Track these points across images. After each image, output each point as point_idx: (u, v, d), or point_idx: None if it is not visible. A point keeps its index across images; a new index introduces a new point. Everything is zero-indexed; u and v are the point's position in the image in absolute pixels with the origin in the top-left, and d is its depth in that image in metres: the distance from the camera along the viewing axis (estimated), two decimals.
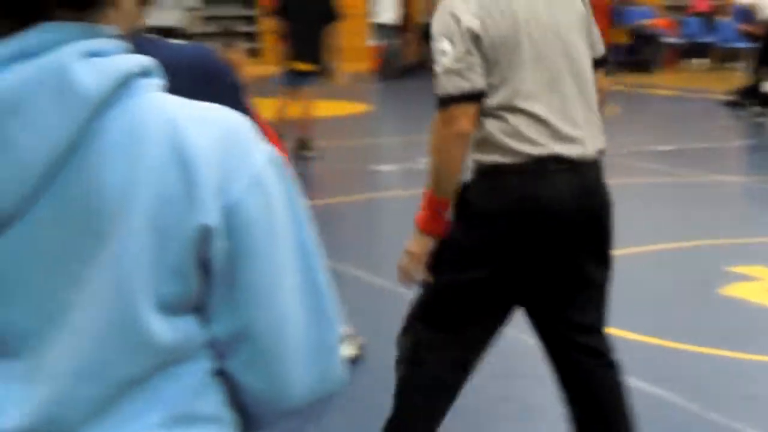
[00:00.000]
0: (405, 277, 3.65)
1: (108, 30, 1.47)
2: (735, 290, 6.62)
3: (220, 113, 1.51)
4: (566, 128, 3.49)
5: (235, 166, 1.46)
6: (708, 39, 22.49)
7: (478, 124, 3.49)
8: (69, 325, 1.42)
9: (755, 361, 5.44)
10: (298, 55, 11.44)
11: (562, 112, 3.49)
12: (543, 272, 3.54)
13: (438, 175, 3.51)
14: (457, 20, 3.46)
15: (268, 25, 11.98)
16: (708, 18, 22.69)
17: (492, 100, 3.47)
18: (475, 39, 3.45)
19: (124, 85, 1.43)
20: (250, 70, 16.18)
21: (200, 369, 1.51)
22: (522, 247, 3.49)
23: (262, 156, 1.50)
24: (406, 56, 21.76)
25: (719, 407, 4.85)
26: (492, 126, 3.47)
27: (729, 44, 21.18)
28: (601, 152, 3.58)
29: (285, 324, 1.50)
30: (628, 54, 21.77)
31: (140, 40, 2.56)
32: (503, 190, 3.48)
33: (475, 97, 3.44)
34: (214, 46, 3.30)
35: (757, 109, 14.51)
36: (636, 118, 14.65)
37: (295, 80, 11.56)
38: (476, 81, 3.43)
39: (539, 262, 3.52)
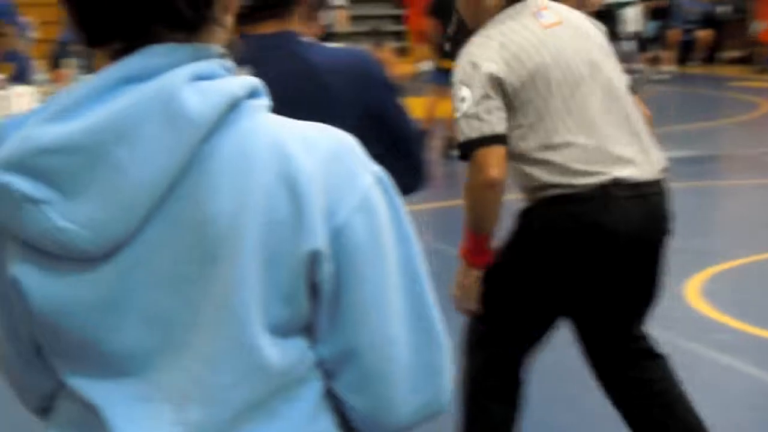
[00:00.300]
0: (459, 306, 3.69)
1: (215, 50, 1.47)
2: None
3: (327, 133, 1.50)
4: (618, 151, 3.48)
5: (342, 187, 1.46)
6: None
7: (521, 173, 3.50)
8: (185, 346, 1.43)
9: None
10: (448, 53, 11.44)
11: (610, 137, 3.48)
12: (600, 292, 3.57)
13: (475, 219, 3.52)
14: (476, 67, 3.45)
15: (417, 23, 12.01)
16: None
17: (532, 142, 3.46)
18: (497, 83, 3.43)
19: (232, 108, 1.42)
20: (400, 68, 16.27)
21: (315, 391, 1.51)
22: (580, 269, 3.51)
23: (368, 177, 1.49)
24: None
25: None
26: (539, 171, 3.47)
27: None
28: (664, 171, 3.61)
29: (391, 345, 1.50)
30: None
31: (298, 44, 2.59)
32: (565, 216, 3.49)
33: (496, 139, 3.41)
34: (364, 46, 3.31)
35: None
36: None
37: (444, 79, 11.56)
38: (495, 124, 3.41)
39: (597, 283, 3.55)
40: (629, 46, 22.39)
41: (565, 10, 3.63)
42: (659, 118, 17.59)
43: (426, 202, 9.82)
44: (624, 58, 22.53)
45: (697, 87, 19.29)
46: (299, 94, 2.51)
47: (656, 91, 19.42)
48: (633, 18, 21.73)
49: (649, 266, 3.61)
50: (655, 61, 20.88)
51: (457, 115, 3.45)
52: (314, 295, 1.47)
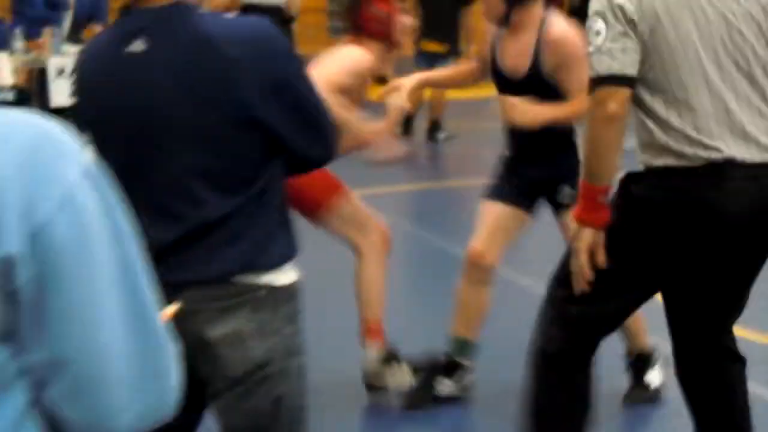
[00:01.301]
0: (581, 280, 3.43)
1: None
2: None
3: (24, 123, 1.36)
4: (740, 125, 3.30)
5: (42, 183, 1.33)
6: None
7: (641, 123, 3.34)
8: None
9: None
10: (428, 35, 11.29)
11: (731, 110, 3.30)
12: (698, 273, 3.41)
13: (590, 161, 3.34)
14: (611, 6, 3.28)
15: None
16: None
17: (653, 96, 3.31)
18: (630, 22, 3.27)
19: None
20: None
21: (17, 400, 1.39)
22: (679, 246, 3.34)
23: (74, 170, 1.36)
24: None
25: None
26: (656, 126, 3.31)
27: None
28: None
29: (106, 350, 1.38)
30: None
31: (194, 15, 2.52)
32: (673, 189, 3.32)
33: (625, 80, 3.25)
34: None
35: None
36: None
37: (425, 61, 11.40)
38: (627, 64, 3.25)
39: (695, 264, 3.38)
40: None
41: None
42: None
43: (409, 184, 9.67)
44: None
45: None
46: (196, 67, 2.49)
47: None
48: None
49: (754, 256, 3.41)
50: None
51: (590, 49, 3.31)
52: (14, 303, 1.35)
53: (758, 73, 3.33)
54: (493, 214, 4.79)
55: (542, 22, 4.57)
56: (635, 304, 3.58)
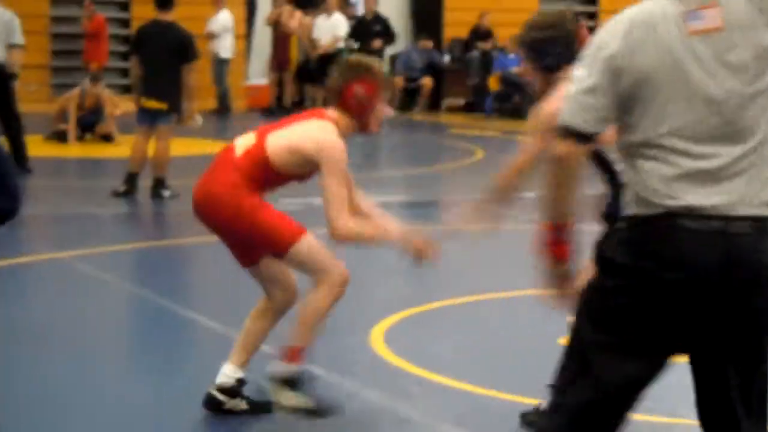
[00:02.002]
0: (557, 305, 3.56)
1: None
2: None
3: None
4: (712, 174, 3.23)
5: None
6: None
7: (626, 168, 3.30)
8: None
9: None
10: (147, 92, 11.26)
11: (707, 156, 3.23)
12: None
13: (546, 200, 3.38)
14: (600, 50, 3.25)
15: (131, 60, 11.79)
16: None
17: (634, 137, 3.26)
18: (615, 72, 3.23)
19: None
20: (124, 106, 15.98)
21: None
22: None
23: None
24: (274, 96, 21.67)
25: None
26: (630, 171, 3.29)
27: None
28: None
29: None
30: (502, 101, 21.97)
31: None
32: (635, 245, 3.26)
33: (582, 137, 3.26)
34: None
35: None
36: (501, 162, 14.69)
37: (146, 118, 11.36)
38: (587, 123, 3.25)
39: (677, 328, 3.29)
40: None
41: None
42: (383, 162, 17.84)
43: (132, 243, 9.57)
44: None
45: (420, 133, 19.66)
46: None
47: (379, 136, 19.69)
48: None
49: (732, 313, 3.25)
50: None
51: (566, 91, 3.32)
52: None
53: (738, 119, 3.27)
54: None
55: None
56: (639, 382, 3.39)
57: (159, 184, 11.41)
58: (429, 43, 22.18)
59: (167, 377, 5.92)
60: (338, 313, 6.54)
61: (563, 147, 3.27)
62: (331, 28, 21.06)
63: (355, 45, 21.75)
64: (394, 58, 21.35)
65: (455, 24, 23.41)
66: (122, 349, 6.64)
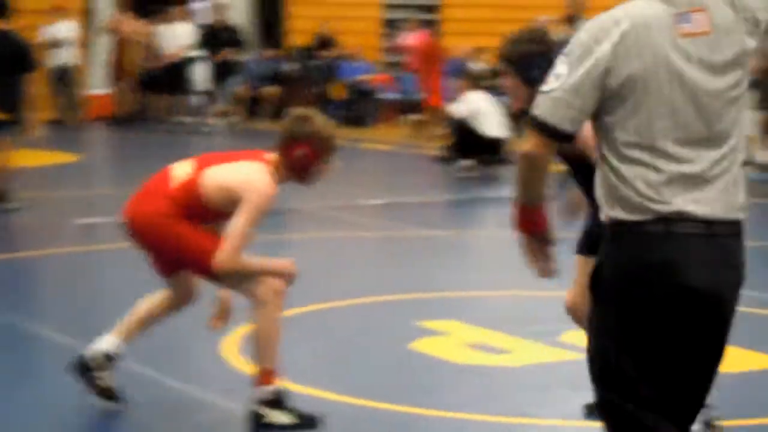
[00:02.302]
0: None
1: None
2: (424, 345, 6.68)
3: None
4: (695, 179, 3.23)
5: None
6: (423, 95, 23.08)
7: (606, 167, 3.27)
8: None
9: (443, 417, 5.49)
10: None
11: (690, 160, 3.22)
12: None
13: (517, 185, 3.36)
14: (588, 49, 3.21)
15: None
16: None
17: (625, 137, 3.22)
18: (604, 72, 3.20)
19: None
20: None
21: None
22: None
23: None
24: (120, 105, 21.45)
25: None
26: (616, 172, 3.24)
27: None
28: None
29: None
30: (345, 109, 22.10)
31: None
32: (631, 252, 3.22)
33: (556, 134, 3.23)
34: None
35: (467, 163, 14.89)
36: (350, 172, 14.80)
37: None
38: (563, 121, 3.22)
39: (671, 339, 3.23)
40: (199, 100, 22.63)
41: None
42: None
43: None
44: (193, 112, 22.79)
45: (266, 142, 19.60)
46: None
47: (226, 145, 19.64)
48: (202, 74, 22.00)
49: (715, 324, 3.23)
50: (224, 115, 21.14)
51: (543, 87, 3.27)
52: None
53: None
54: (583, 267, 5.25)
55: None
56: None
57: (1, 197, 11.21)
58: (273, 52, 22.19)
59: (15, 392, 5.85)
60: (189, 324, 6.56)
61: (534, 143, 3.25)
62: (175, 37, 20.93)
63: (204, 54, 21.69)
64: (239, 67, 21.29)
65: (299, 32, 23.48)
66: None
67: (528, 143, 3.26)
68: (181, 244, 5.20)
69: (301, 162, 5.23)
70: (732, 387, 6.00)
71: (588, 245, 5.27)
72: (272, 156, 5.28)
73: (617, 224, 3.25)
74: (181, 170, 5.31)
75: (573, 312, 5.40)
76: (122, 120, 21.27)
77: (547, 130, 3.23)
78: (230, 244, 5.09)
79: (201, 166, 5.27)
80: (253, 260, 5.21)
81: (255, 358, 5.24)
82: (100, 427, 5.40)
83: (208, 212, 5.24)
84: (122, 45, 21.18)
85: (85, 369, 5.43)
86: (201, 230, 5.25)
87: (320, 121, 5.33)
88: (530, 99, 4.86)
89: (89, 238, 10.40)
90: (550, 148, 3.26)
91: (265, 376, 5.21)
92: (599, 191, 3.30)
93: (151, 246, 5.33)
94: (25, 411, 5.52)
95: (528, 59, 4.95)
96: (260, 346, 5.22)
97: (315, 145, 5.24)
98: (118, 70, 21.31)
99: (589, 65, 3.20)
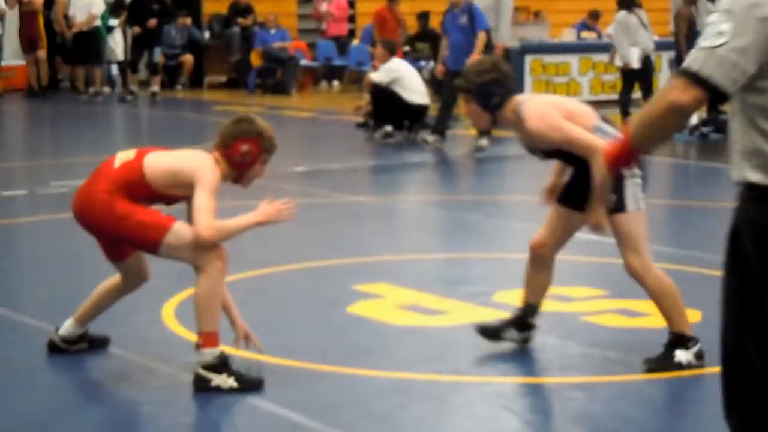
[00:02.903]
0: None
1: None
2: (360, 308, 6.78)
3: None
4: None
5: None
6: (341, 62, 23.12)
7: (754, 133, 3.19)
8: None
9: (382, 377, 5.58)
10: None
11: None
12: None
13: (640, 131, 3.28)
14: (753, 6, 3.11)
15: None
16: (341, 41, 23.30)
17: None
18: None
19: None
20: None
21: None
22: None
23: None
24: (34, 77, 21.19)
25: (351, 427, 4.95)
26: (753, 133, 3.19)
27: (361, 67, 21.85)
28: None
29: None
30: (264, 76, 22.06)
31: None
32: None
33: (710, 87, 3.14)
34: None
35: (387, 130, 14.98)
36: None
37: None
38: (728, 80, 3.13)
39: None
40: (115, 69, 22.43)
41: None
42: (149, 141, 17.68)
43: None
44: (111, 82, 22.57)
45: (184, 111, 19.57)
46: None
47: (146, 115, 19.52)
48: (119, 42, 21.80)
49: None
50: (143, 85, 20.99)
51: (703, 41, 3.15)
52: None
53: None
54: (556, 215, 5.79)
55: (517, 114, 5.60)
56: None
57: None
58: (188, 20, 22.05)
59: None
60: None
61: (688, 96, 3.16)
62: (87, 6, 20.71)
63: (114, 22, 21.48)
64: (160, 37, 21.13)
65: (213, 0, 23.36)
66: None
67: (684, 95, 3.16)
68: (122, 221, 5.29)
69: (243, 158, 5.39)
70: (658, 343, 6.19)
71: (568, 197, 5.72)
72: (216, 154, 5.43)
73: (761, 189, 3.19)
74: (124, 155, 5.46)
75: (537, 252, 5.86)
76: (37, 92, 21.03)
77: (707, 87, 3.15)
78: (204, 217, 5.21)
79: (144, 152, 5.44)
80: (231, 222, 5.33)
81: (197, 322, 5.30)
82: (37, 391, 5.43)
83: (148, 192, 5.36)
84: (28, 14, 20.89)
85: (58, 350, 5.81)
86: (140, 207, 5.34)
87: (263, 122, 5.51)
88: (493, 122, 5.68)
89: (8, 211, 10.34)
90: (701, 105, 3.21)
91: (208, 338, 5.28)
92: (738, 156, 3.24)
93: (94, 225, 5.41)
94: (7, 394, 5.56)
95: (486, 88, 5.58)
96: (202, 311, 5.29)
97: (258, 144, 5.40)
98: (27, 41, 21.02)
99: (758, 27, 3.13)
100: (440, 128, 14.44)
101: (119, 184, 5.32)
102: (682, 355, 5.56)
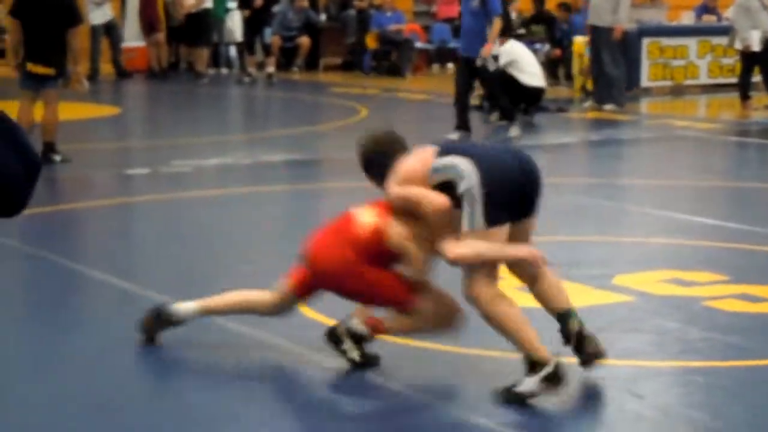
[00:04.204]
0: None
1: None
2: None
3: None
4: None
5: None
6: (456, 44, 23.10)
7: None
8: None
9: (499, 357, 5.60)
10: (33, 56, 11.16)
11: None
12: None
13: None
14: None
15: (9, 24, 11.60)
16: (456, 24, 23.28)
17: None
18: None
19: None
20: None
21: None
22: None
23: None
24: (154, 58, 21.56)
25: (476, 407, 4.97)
26: None
27: None
28: None
29: None
30: (379, 58, 22.15)
31: None
32: None
33: None
34: None
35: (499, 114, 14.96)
36: (385, 120, 14.90)
37: (32, 83, 11.26)
38: None
39: None
40: (233, 51, 22.69)
41: None
42: (265, 122, 17.87)
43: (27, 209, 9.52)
44: (229, 63, 22.83)
45: (299, 92, 19.74)
46: None
47: (262, 96, 19.73)
48: (236, 24, 22.06)
49: None
50: (260, 67, 21.22)
51: None
52: None
53: None
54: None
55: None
56: None
57: (49, 149, 11.36)
58: (305, 2, 22.21)
59: (79, 335, 6.02)
60: (246, 270, 6.65)
61: None
62: None
63: (232, 5, 21.74)
64: (272, 18, 21.34)
65: None
66: (34, 309, 6.69)
67: None
68: (374, 291, 5.24)
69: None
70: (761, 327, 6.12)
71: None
72: None
73: None
74: (365, 217, 5.28)
75: (515, 274, 5.44)
76: (158, 73, 21.39)
77: None
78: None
79: (384, 213, 5.26)
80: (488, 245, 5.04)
81: (392, 319, 5.38)
82: (160, 369, 5.55)
83: (393, 257, 5.26)
84: None
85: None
86: (387, 273, 5.26)
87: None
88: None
89: (132, 189, 10.57)
90: None
91: (377, 327, 5.38)
92: None
93: (337, 289, 5.35)
94: (85, 351, 5.71)
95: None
96: (402, 327, 5.37)
97: None
98: (146, 23, 21.40)
99: None
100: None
101: (362, 252, 5.21)
102: (528, 383, 4.98)
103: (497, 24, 13.21)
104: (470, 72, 13.43)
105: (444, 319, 5.34)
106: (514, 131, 13.66)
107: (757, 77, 16.80)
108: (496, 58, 13.62)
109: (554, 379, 4.97)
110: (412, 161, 5.28)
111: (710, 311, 6.36)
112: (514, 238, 5.10)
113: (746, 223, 8.74)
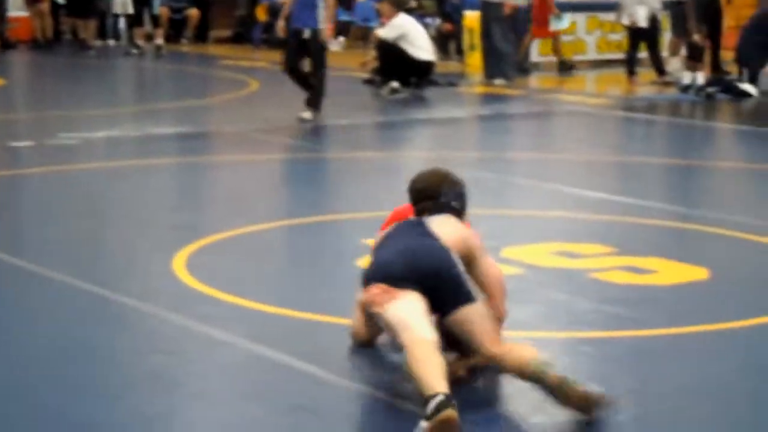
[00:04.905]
0: None
1: None
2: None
3: None
4: None
5: None
6: (347, 18, 23.04)
7: None
8: None
9: None
10: None
11: None
12: None
13: None
14: None
15: None
16: None
17: None
18: None
19: None
20: None
21: None
22: None
23: None
24: (38, 29, 21.18)
25: (362, 378, 5.00)
26: None
27: (367, 23, 21.78)
28: None
29: None
30: (269, 31, 22.01)
31: None
32: None
33: None
34: None
35: (393, 86, 14.96)
36: (276, 94, 14.82)
37: None
38: None
39: None
40: (122, 23, 22.38)
41: None
42: (154, 95, 17.67)
43: None
44: (117, 35, 22.50)
45: (189, 65, 19.53)
46: None
47: (151, 69, 19.49)
48: None
49: None
50: (148, 38, 20.95)
51: None
52: None
53: None
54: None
55: None
56: None
57: None
58: None
59: None
60: (139, 243, 6.61)
61: None
62: None
63: None
64: None
65: None
66: None
67: None
68: None
69: None
70: (666, 299, 6.23)
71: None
72: None
73: None
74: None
75: None
76: (42, 43, 21.00)
77: None
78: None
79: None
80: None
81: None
82: (54, 347, 5.47)
83: None
84: None
85: None
86: None
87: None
88: None
89: (16, 162, 10.37)
90: None
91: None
92: None
93: None
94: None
95: None
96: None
97: None
98: None
99: None
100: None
101: None
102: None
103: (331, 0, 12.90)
104: (299, 45, 13.00)
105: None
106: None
107: (643, 53, 17.03)
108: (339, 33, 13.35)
109: (437, 412, 4.35)
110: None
111: (598, 283, 6.45)
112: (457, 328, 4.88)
113: (633, 196, 8.88)
